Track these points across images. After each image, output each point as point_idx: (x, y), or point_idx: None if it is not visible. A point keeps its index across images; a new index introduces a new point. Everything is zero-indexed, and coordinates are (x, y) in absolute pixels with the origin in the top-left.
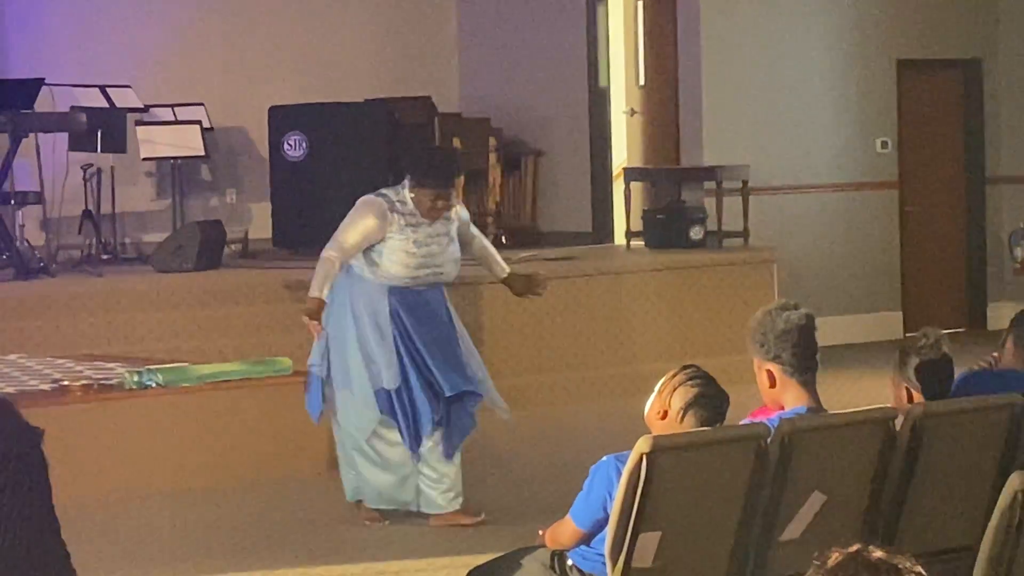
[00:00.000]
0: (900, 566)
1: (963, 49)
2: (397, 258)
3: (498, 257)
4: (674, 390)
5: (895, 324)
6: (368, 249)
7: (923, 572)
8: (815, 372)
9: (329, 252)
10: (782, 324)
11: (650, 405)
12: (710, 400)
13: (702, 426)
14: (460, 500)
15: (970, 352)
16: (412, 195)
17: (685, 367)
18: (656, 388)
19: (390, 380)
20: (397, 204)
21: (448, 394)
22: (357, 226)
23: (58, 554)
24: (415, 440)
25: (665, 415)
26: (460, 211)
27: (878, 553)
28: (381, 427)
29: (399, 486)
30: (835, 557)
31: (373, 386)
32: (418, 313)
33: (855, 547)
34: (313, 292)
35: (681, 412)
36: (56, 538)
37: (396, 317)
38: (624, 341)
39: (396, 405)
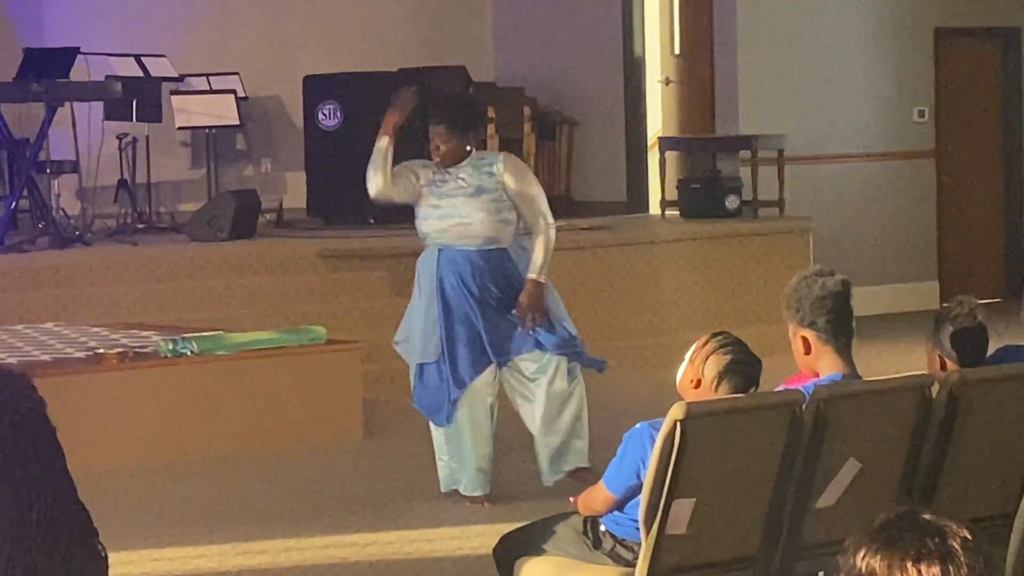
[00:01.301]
0: (946, 528)
1: (1002, 17)
2: (425, 212)
3: (534, 257)
4: (707, 358)
5: (931, 294)
6: (415, 214)
7: (969, 536)
8: (851, 339)
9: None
10: (818, 290)
11: (682, 373)
12: (744, 367)
13: (736, 393)
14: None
15: (1006, 322)
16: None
17: (716, 334)
18: (688, 356)
19: (431, 353)
20: (430, 161)
21: (494, 360)
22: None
23: (76, 512)
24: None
25: (699, 384)
26: (506, 175)
27: (926, 515)
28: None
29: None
30: (884, 516)
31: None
32: (466, 272)
33: (905, 508)
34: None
35: (715, 380)
36: (72, 497)
37: (445, 278)
38: (658, 311)
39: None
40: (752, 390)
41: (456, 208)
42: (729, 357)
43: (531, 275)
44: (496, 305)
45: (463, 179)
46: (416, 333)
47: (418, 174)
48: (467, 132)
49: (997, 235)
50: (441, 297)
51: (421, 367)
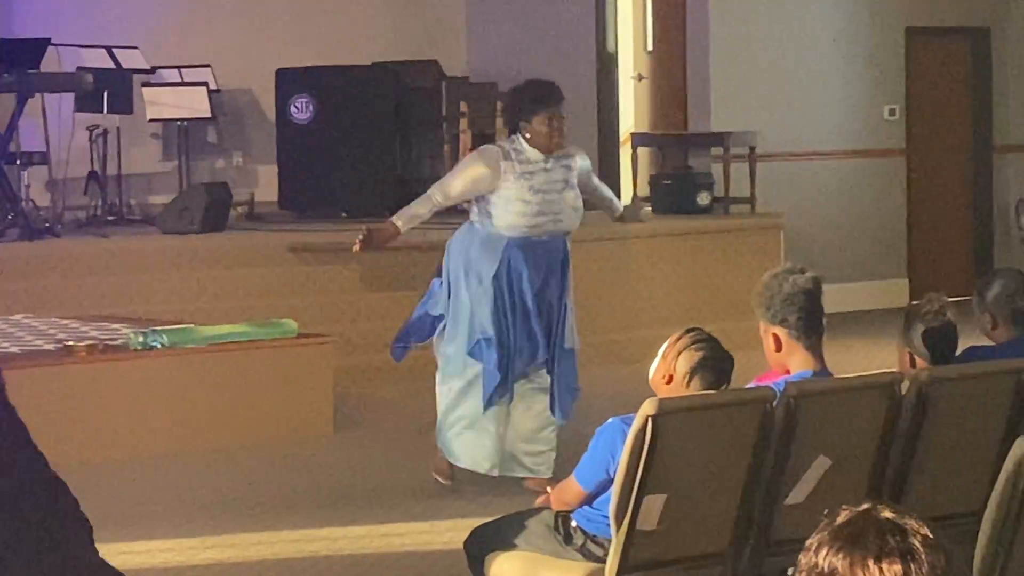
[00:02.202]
0: (907, 526)
1: (972, 17)
2: (514, 207)
3: (615, 201)
4: (679, 354)
5: (901, 291)
6: (483, 201)
7: (930, 534)
8: (821, 336)
9: (432, 192)
10: (788, 287)
11: (654, 369)
12: (716, 363)
13: (708, 389)
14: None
15: (975, 320)
16: (528, 135)
17: (689, 330)
18: (660, 352)
19: (486, 328)
20: (512, 152)
21: (542, 359)
22: (465, 174)
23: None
24: (504, 387)
25: (671, 379)
26: (580, 159)
27: (887, 512)
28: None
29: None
30: (844, 514)
31: (471, 338)
32: (536, 264)
33: (865, 505)
34: (394, 218)
35: (687, 376)
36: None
37: (510, 267)
38: (631, 306)
39: (489, 353)
40: (724, 387)
41: (551, 205)
42: (701, 353)
43: (621, 209)
44: (539, 299)
45: (549, 171)
46: (468, 320)
47: (496, 167)
48: None
49: (966, 233)
50: (508, 285)
51: (482, 344)
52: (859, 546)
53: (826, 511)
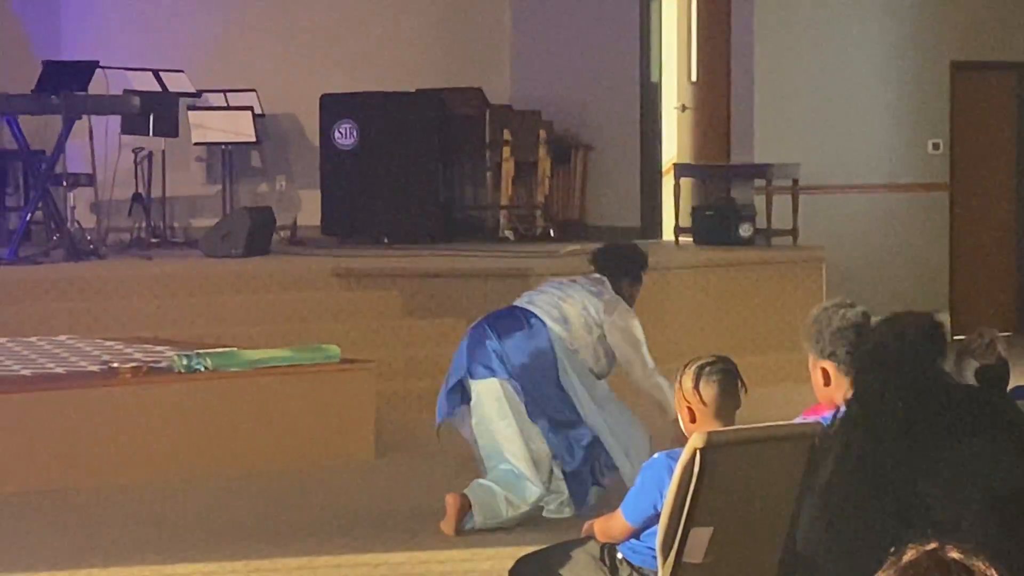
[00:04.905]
0: (973, 568)
1: (1017, 51)
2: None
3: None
4: (681, 386)
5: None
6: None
7: (996, 575)
8: None
9: (652, 364)
10: (838, 321)
11: (680, 419)
12: (712, 365)
13: (721, 387)
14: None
15: (1019, 356)
16: (624, 293)
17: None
18: (675, 405)
19: None
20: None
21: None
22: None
23: None
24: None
25: (691, 412)
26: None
27: (954, 553)
28: None
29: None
30: (911, 554)
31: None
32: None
33: (932, 545)
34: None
35: (695, 391)
36: None
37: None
38: (671, 337)
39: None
40: (738, 383)
41: None
42: (694, 367)
43: None
44: None
45: None
46: None
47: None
48: None
49: (1009, 268)
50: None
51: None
52: None
53: (893, 549)
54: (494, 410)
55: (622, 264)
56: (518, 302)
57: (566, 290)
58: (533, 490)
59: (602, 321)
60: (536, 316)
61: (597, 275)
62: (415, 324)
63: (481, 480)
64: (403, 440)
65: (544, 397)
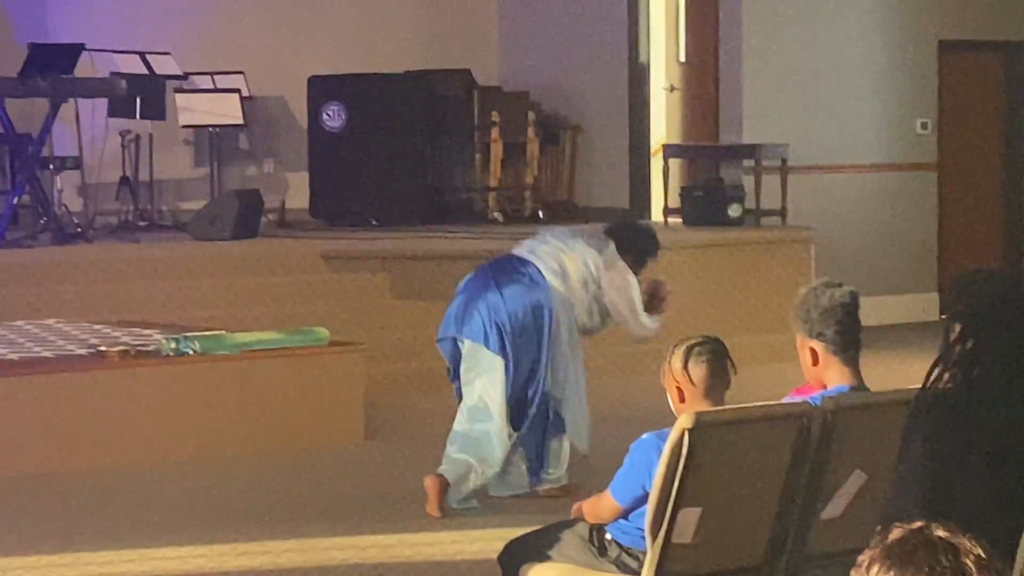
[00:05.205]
0: (960, 546)
1: (1005, 31)
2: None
3: None
4: (671, 367)
5: (932, 305)
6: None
7: (983, 554)
8: (858, 351)
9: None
10: (826, 301)
11: (670, 399)
12: (701, 345)
13: (710, 367)
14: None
15: None
16: (633, 267)
17: (675, 346)
18: (665, 385)
19: None
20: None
21: None
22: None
23: None
24: None
25: (680, 392)
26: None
27: (940, 531)
28: None
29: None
30: (897, 532)
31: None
32: None
33: (919, 524)
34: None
35: (684, 372)
36: None
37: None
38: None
39: None
40: (727, 363)
41: None
42: (683, 348)
43: None
44: None
45: None
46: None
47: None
48: None
49: (997, 247)
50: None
51: None
52: (911, 565)
53: (879, 527)
54: (489, 380)
55: (632, 239)
56: (518, 251)
57: (568, 242)
58: (498, 456)
59: (600, 277)
60: (535, 266)
61: (604, 235)
62: (404, 306)
63: (453, 455)
64: (392, 422)
65: (520, 364)
